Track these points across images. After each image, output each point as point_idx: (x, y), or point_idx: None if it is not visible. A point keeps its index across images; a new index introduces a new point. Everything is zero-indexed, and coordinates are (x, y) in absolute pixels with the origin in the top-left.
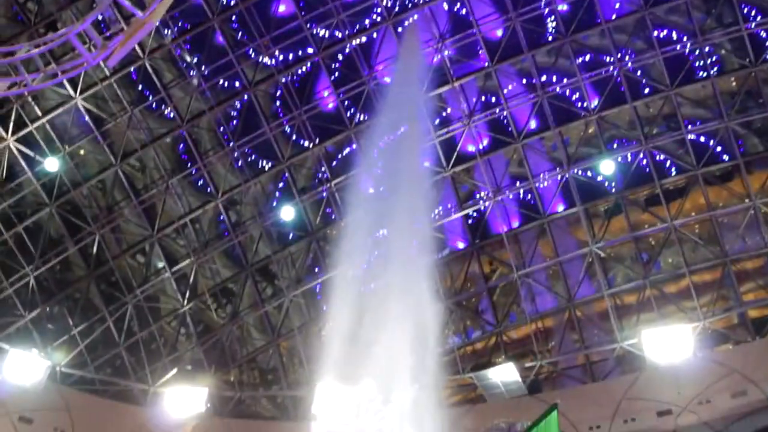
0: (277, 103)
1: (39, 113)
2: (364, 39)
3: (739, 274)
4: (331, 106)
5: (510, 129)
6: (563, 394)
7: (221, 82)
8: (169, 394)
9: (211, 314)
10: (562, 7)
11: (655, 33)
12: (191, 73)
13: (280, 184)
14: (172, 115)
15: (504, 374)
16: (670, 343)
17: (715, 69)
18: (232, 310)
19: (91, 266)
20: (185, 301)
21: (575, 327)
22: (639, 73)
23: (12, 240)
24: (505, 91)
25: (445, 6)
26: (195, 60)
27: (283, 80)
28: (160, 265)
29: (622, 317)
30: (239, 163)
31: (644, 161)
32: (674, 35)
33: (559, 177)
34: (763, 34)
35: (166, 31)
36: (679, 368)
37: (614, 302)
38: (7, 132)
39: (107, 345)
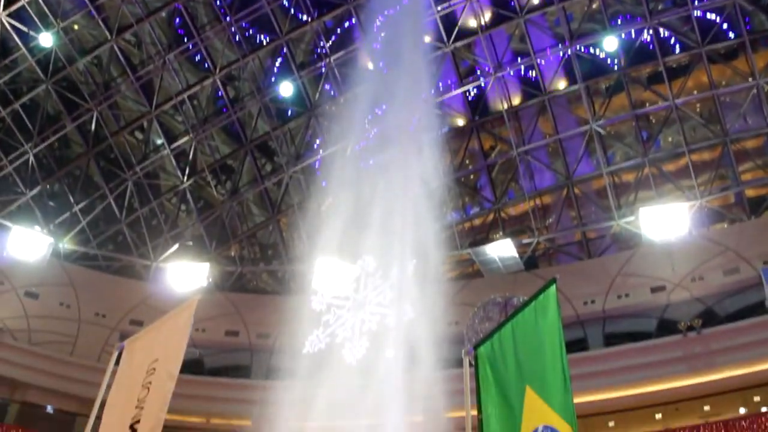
0: None
1: None
2: None
3: (738, 153)
4: None
5: (512, 3)
6: (559, 270)
7: None
8: (171, 270)
9: (211, 191)
10: None
11: None
12: None
13: (279, 60)
14: None
15: (501, 250)
16: (666, 221)
17: None
18: (231, 187)
19: (89, 143)
20: (185, 178)
21: (573, 204)
22: None
23: (10, 118)
24: None
25: None
26: None
27: None
28: (159, 142)
29: (620, 195)
30: (237, 38)
31: (648, 38)
32: None
33: (561, 53)
34: None
35: None
36: (673, 246)
37: (613, 180)
38: None
39: (108, 221)
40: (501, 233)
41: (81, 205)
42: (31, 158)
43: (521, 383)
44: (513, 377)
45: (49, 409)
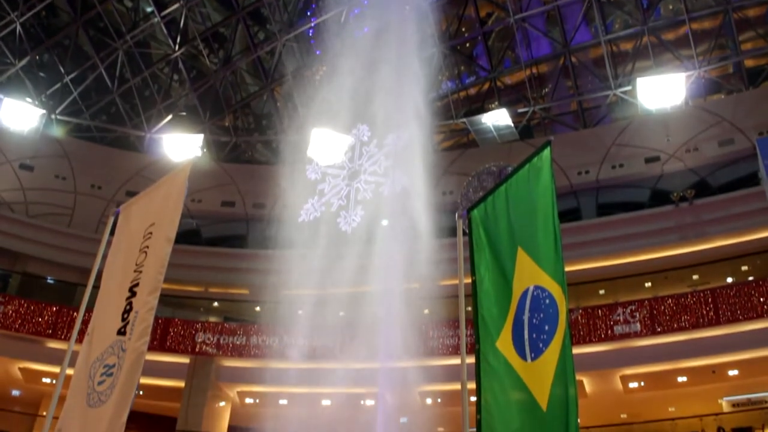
0: None
1: None
2: None
3: (740, 22)
4: None
5: None
6: (554, 140)
7: None
8: (165, 140)
9: (204, 60)
10: None
11: None
12: None
13: None
14: None
15: (497, 119)
16: (662, 91)
17: None
18: (224, 56)
19: (77, 11)
20: (176, 47)
21: (570, 73)
22: None
23: None
24: None
25: None
26: None
27: None
28: (149, 9)
29: (617, 64)
30: None
31: None
32: None
33: None
34: None
35: None
36: (669, 116)
37: (610, 49)
38: None
39: (101, 92)
40: (496, 102)
41: (72, 76)
42: (18, 27)
43: (513, 245)
44: (505, 239)
45: (50, 279)
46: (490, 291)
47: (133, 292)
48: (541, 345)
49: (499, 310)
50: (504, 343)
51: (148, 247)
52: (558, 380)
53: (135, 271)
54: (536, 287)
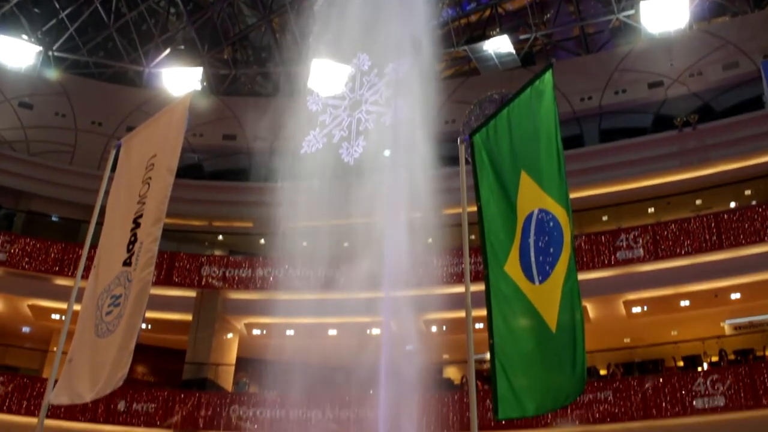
0: None
1: None
2: None
3: None
4: None
5: None
6: (556, 66)
7: None
8: (164, 75)
9: None
10: None
11: None
12: None
13: None
14: None
15: (498, 46)
16: (666, 15)
17: None
18: None
19: None
20: None
21: None
22: None
23: None
24: None
25: None
26: None
27: None
28: None
29: None
30: None
31: None
32: None
33: None
34: None
35: None
36: (673, 40)
37: None
38: None
39: (97, 28)
40: (498, 29)
41: (67, 11)
42: None
43: (516, 168)
44: (508, 163)
45: (54, 217)
46: (496, 215)
47: (137, 224)
48: (547, 268)
49: (505, 234)
50: (512, 267)
51: (150, 178)
52: (565, 302)
53: (138, 202)
54: (540, 210)
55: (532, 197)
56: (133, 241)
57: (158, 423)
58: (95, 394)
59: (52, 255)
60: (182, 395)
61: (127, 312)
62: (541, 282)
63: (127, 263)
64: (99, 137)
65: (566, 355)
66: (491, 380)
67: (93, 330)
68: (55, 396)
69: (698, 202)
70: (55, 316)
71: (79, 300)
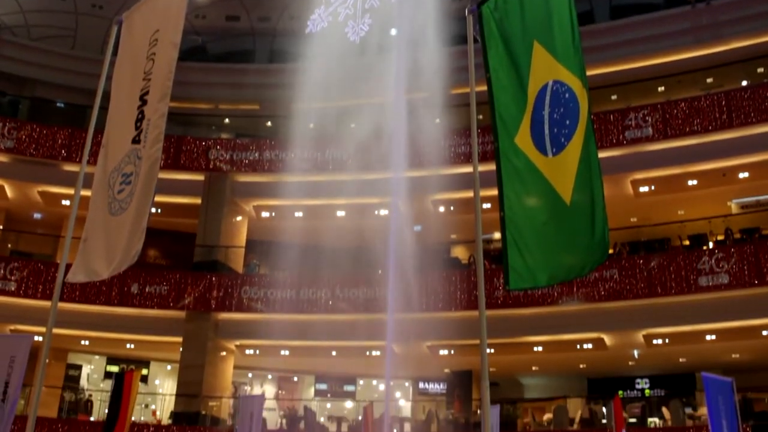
0: None
1: None
2: None
3: None
4: None
5: None
6: None
7: None
8: None
9: None
10: None
11: None
12: None
13: None
14: None
15: None
16: None
17: None
18: None
19: None
20: None
21: None
22: None
23: None
24: None
25: None
26: None
27: None
28: None
29: None
30: None
31: None
32: None
33: None
34: None
35: None
36: None
37: None
38: None
39: None
40: None
41: None
42: None
43: (528, 39)
44: (519, 33)
45: (60, 103)
46: (506, 87)
47: (143, 101)
48: (563, 139)
49: (516, 106)
50: (523, 140)
51: (154, 54)
52: (582, 174)
53: (144, 79)
54: (555, 82)
55: (546, 68)
56: (140, 119)
57: (171, 305)
58: (111, 271)
59: (59, 141)
60: (194, 277)
61: (138, 189)
62: (555, 154)
63: (136, 141)
64: (100, 20)
65: (582, 226)
66: (502, 252)
67: (106, 209)
68: (72, 274)
69: (709, 80)
70: (66, 202)
71: (86, 185)
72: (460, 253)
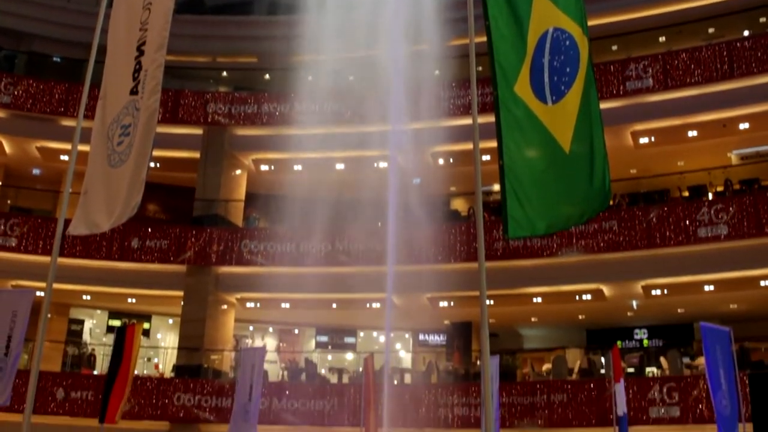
0: None
1: None
2: None
3: None
4: None
5: None
6: None
7: None
8: None
9: None
10: None
11: None
12: None
13: None
14: None
15: None
16: None
17: None
18: None
19: None
20: None
21: None
22: None
23: None
24: None
25: None
26: None
27: None
28: None
29: None
30: None
31: None
32: None
33: None
34: None
35: None
36: None
37: None
38: None
39: None
40: None
41: None
42: None
43: None
44: None
45: (56, 58)
46: (506, 35)
47: (140, 51)
48: (562, 87)
49: (515, 54)
50: (522, 88)
51: (150, 3)
52: (581, 122)
53: (140, 29)
54: (555, 29)
55: (546, 15)
56: (138, 69)
57: (172, 259)
58: (112, 223)
59: (57, 96)
60: (194, 231)
61: (137, 141)
62: (554, 102)
63: (133, 92)
64: None
65: (581, 174)
66: (501, 201)
67: (106, 161)
68: (73, 227)
69: (710, 30)
70: (64, 157)
71: (84, 140)
72: (459, 205)
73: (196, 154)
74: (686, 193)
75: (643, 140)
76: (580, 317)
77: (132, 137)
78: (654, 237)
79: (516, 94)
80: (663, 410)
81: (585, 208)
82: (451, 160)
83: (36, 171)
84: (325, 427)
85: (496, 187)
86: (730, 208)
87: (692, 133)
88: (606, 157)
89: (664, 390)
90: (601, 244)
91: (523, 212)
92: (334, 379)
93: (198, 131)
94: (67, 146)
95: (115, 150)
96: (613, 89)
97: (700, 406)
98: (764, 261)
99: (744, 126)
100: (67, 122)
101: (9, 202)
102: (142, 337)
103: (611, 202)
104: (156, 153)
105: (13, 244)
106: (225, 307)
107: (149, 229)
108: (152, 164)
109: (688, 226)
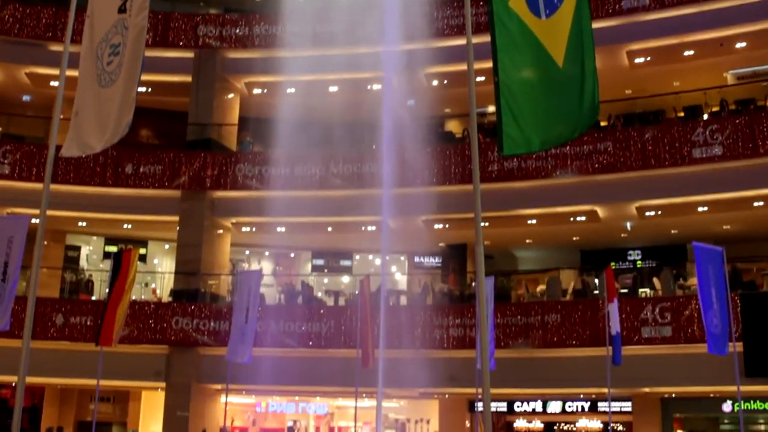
0: None
1: None
2: None
3: None
4: None
5: None
6: None
7: None
8: None
9: None
10: None
11: None
12: None
13: None
14: None
15: None
16: None
17: None
18: None
19: None
20: None
21: None
22: None
23: None
24: None
25: None
26: None
27: None
28: None
29: None
30: None
31: None
32: None
33: None
34: None
35: None
36: None
37: None
38: None
39: None
40: None
41: None
42: None
43: None
44: None
45: None
46: None
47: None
48: (555, 1)
49: None
50: (517, 2)
51: None
52: (574, 38)
53: None
54: None
55: None
56: None
57: (166, 184)
58: (104, 143)
59: (44, 20)
60: (187, 156)
61: (126, 59)
62: (548, 16)
63: (122, 10)
64: None
65: (573, 91)
66: (496, 118)
67: (95, 81)
68: (65, 149)
69: None
70: (54, 83)
71: (72, 65)
72: (454, 127)
73: (188, 78)
74: (681, 114)
75: (639, 60)
76: (574, 239)
77: (121, 56)
78: (649, 158)
79: (510, 8)
80: (655, 330)
81: (576, 125)
82: (446, 82)
83: (26, 97)
84: (322, 349)
85: (491, 108)
86: (726, 129)
87: (688, 53)
88: (596, 73)
89: (657, 310)
90: (596, 165)
91: (518, 129)
92: (330, 302)
93: (189, 54)
94: (57, 72)
95: (105, 70)
96: (609, 8)
97: (692, 326)
98: (758, 182)
99: (741, 45)
100: (56, 47)
101: (1, 129)
102: (138, 262)
103: (605, 123)
104: (147, 77)
105: (7, 172)
106: (221, 231)
107: (143, 155)
108: (144, 89)
109: (683, 147)
